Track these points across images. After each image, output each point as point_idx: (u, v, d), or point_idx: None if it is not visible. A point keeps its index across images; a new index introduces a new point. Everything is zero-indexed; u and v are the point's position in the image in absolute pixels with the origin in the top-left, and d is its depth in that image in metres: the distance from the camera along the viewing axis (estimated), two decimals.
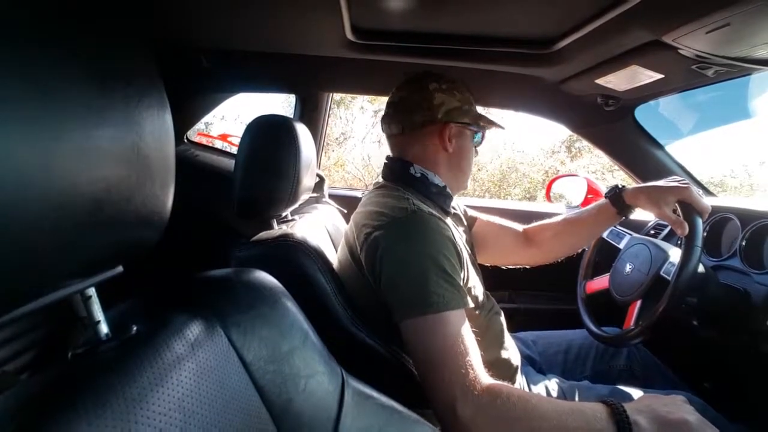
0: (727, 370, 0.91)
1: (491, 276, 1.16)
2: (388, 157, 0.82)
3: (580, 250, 1.00)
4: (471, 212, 1.00)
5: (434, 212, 0.69)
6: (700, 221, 0.74)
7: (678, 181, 0.80)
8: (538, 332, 1.08)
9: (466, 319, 0.60)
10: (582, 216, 0.93)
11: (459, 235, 0.73)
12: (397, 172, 0.78)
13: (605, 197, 0.87)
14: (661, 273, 0.84)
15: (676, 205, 0.77)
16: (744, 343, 0.79)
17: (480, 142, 0.83)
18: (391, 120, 0.79)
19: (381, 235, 0.64)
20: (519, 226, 1.02)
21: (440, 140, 0.76)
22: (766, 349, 0.75)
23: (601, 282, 1.01)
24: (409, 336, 0.58)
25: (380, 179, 0.82)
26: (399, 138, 0.79)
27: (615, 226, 1.10)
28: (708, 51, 0.73)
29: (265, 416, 0.36)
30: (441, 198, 0.77)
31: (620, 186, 0.85)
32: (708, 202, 0.77)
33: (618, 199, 0.84)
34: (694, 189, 0.77)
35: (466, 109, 0.78)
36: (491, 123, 0.81)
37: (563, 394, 0.83)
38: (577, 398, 0.82)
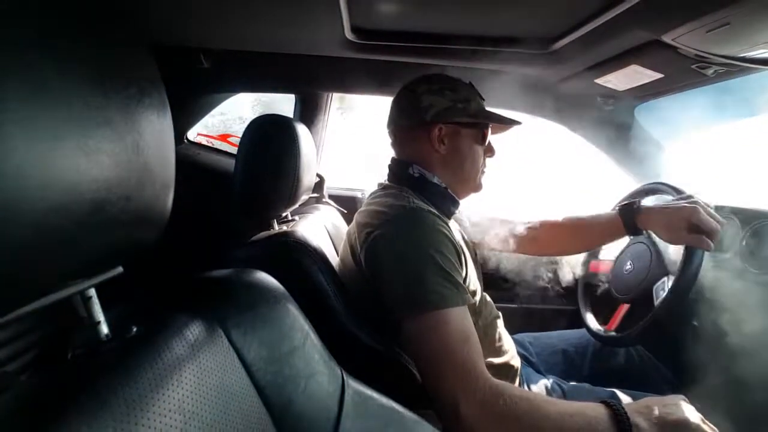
0: (726, 371, 0.91)
1: (489, 275, 1.16)
2: (391, 159, 0.83)
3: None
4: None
5: (434, 211, 0.69)
6: (700, 257, 0.74)
7: (686, 198, 0.77)
8: (535, 333, 1.08)
9: (468, 317, 0.59)
10: (590, 224, 0.90)
11: (460, 237, 0.72)
12: (397, 172, 0.79)
13: (618, 214, 0.83)
14: (653, 288, 0.85)
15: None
16: (744, 344, 0.79)
17: (482, 140, 0.79)
18: (387, 127, 0.82)
19: (380, 233, 0.64)
20: (519, 224, 0.98)
21: (430, 142, 0.75)
22: (766, 351, 0.75)
23: (605, 265, 1.00)
24: (410, 335, 0.58)
25: (384, 180, 0.82)
26: (394, 143, 0.82)
27: None
28: (708, 50, 0.73)
29: (266, 417, 0.36)
30: (441, 199, 0.76)
31: (636, 206, 0.81)
32: (716, 214, 0.74)
33: (630, 219, 0.81)
34: (702, 206, 0.73)
35: (461, 108, 0.75)
36: (489, 118, 0.78)
37: (563, 395, 0.83)
38: (577, 400, 0.82)
